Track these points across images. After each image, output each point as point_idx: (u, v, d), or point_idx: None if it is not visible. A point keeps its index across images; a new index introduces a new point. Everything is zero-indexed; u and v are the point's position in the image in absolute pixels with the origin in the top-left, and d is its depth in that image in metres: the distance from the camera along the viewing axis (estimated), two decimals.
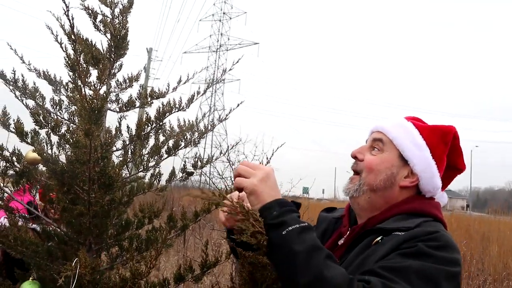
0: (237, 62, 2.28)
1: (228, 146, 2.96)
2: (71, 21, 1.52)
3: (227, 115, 2.11)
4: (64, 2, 1.44)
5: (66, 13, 1.45)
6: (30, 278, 1.86)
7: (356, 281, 1.01)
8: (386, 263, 1.08)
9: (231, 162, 8.40)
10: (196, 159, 2.13)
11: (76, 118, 2.05)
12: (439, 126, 1.39)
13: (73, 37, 1.62)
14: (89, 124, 1.51)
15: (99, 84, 1.67)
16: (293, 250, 1.01)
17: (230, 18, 52.33)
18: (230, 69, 2.15)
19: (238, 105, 2.07)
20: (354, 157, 1.39)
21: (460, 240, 10.01)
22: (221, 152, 2.86)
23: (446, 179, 1.43)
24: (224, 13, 52.29)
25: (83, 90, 1.61)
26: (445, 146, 1.36)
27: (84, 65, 1.81)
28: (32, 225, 2.16)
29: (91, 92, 1.77)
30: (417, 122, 1.40)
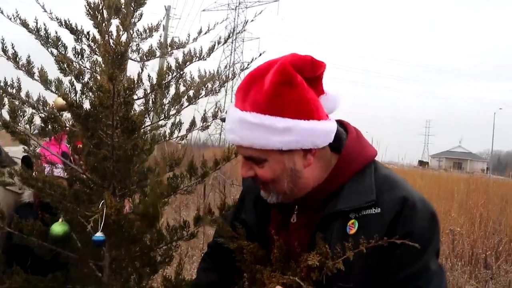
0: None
1: None
2: None
3: (249, 64, 2.11)
4: None
5: None
6: (60, 219, 1.96)
7: None
8: (406, 269, 1.15)
9: None
10: (217, 108, 2.15)
11: (98, 68, 2.08)
12: (275, 82, 1.16)
13: None
14: (113, 68, 1.53)
15: (121, 30, 1.69)
16: None
17: None
18: (252, 20, 2.14)
19: (260, 54, 2.06)
20: (248, 177, 1.29)
21: (478, 201, 9.98)
22: None
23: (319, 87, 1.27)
24: None
25: (105, 36, 1.63)
26: (299, 88, 1.18)
27: (106, 13, 1.81)
28: (66, 175, 2.24)
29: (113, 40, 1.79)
30: (256, 97, 1.18)
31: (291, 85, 1.16)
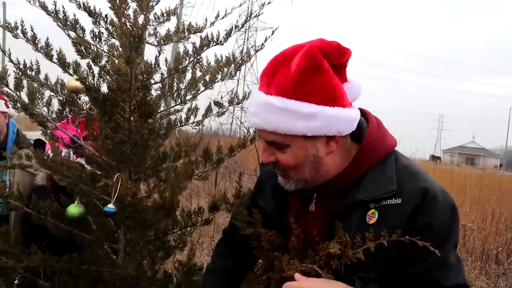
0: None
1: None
2: None
3: (262, 44, 2.09)
4: None
5: None
6: (76, 201, 1.97)
7: None
8: (425, 260, 1.14)
9: None
10: (233, 95, 2.14)
11: (116, 51, 2.07)
12: (302, 66, 1.13)
13: None
14: (130, 51, 1.52)
15: (139, 12, 1.68)
16: None
17: None
18: (269, 2, 2.10)
19: (273, 32, 2.04)
20: (268, 163, 1.26)
21: (490, 197, 9.87)
22: None
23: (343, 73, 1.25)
24: None
25: (122, 18, 1.62)
26: (326, 74, 1.14)
27: None
28: (77, 158, 2.26)
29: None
30: (282, 81, 1.15)
31: (318, 70, 1.13)
